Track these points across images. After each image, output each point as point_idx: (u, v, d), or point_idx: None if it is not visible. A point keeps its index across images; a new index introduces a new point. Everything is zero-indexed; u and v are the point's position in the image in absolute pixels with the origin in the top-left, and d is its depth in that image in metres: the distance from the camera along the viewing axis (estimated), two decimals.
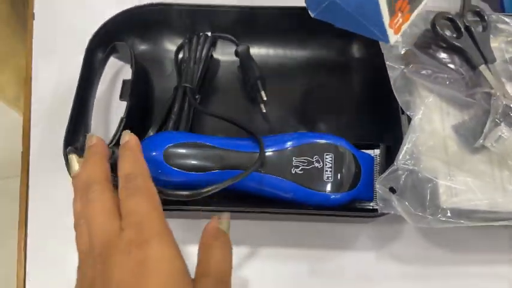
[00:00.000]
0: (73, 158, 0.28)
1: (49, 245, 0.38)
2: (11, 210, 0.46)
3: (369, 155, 0.36)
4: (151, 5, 0.41)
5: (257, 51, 0.44)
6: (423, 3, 0.35)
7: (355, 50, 0.44)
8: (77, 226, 0.26)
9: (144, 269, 0.22)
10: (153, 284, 0.22)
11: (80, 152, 0.29)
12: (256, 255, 0.37)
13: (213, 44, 0.44)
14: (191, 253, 0.36)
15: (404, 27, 0.34)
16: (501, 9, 0.46)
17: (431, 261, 0.38)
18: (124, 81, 0.38)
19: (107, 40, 0.40)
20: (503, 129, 0.35)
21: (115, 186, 0.27)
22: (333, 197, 0.33)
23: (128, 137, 0.29)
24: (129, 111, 0.36)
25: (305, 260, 0.37)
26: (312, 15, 0.36)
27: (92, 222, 0.25)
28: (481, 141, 0.35)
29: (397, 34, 0.34)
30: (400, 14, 0.33)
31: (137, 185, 0.26)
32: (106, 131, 0.40)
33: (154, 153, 0.32)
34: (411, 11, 0.34)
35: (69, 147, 0.29)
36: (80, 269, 0.25)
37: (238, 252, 0.37)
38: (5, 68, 0.68)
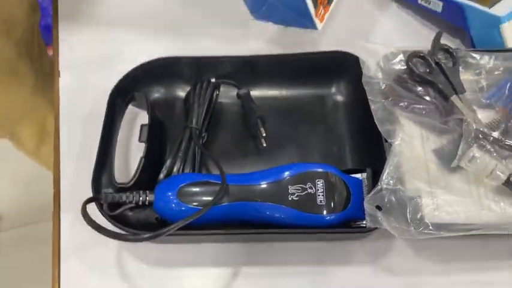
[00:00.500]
0: None
1: (82, 280, 0.42)
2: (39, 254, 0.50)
3: (357, 178, 0.41)
4: (163, 58, 0.47)
5: (257, 92, 0.50)
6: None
7: (342, 87, 0.49)
8: None
9: None
10: None
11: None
12: (260, 274, 0.41)
13: (217, 88, 0.50)
14: (190, 275, 0.41)
15: (326, 16, 0.44)
16: (471, 44, 0.52)
17: (424, 272, 0.41)
18: (142, 126, 0.43)
19: (126, 90, 0.46)
20: (474, 150, 0.40)
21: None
22: (327, 218, 0.38)
23: None
24: (147, 152, 0.42)
25: (307, 276, 0.41)
26: (253, 18, 0.48)
27: None
28: (456, 161, 0.40)
29: (322, 22, 0.44)
30: (321, 7, 0.43)
31: None
32: (127, 169, 0.46)
33: (169, 194, 0.37)
34: (329, 3, 0.44)
35: None
36: None
37: (243, 272, 0.41)
38: (26, 122, 0.74)
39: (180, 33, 0.54)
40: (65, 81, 0.53)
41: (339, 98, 0.49)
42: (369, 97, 0.43)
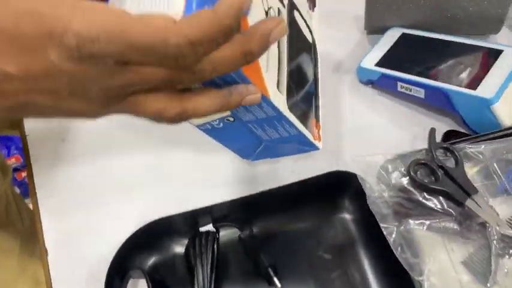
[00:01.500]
0: None
1: None
2: None
3: None
4: (154, 222, 0.44)
5: (261, 228, 0.46)
6: (320, 110, 0.45)
7: (347, 204, 0.46)
8: None
9: None
10: None
11: None
12: None
13: (218, 233, 0.46)
14: None
15: (321, 133, 0.43)
16: (464, 123, 0.50)
17: None
18: None
19: (121, 268, 0.42)
20: (506, 264, 0.37)
21: None
22: None
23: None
24: None
25: None
26: (249, 160, 0.45)
27: None
28: (492, 279, 0.37)
29: (320, 141, 0.42)
30: (314, 128, 0.42)
31: None
32: None
33: None
34: (318, 121, 0.44)
35: None
36: None
37: None
38: (19, 280, 0.70)
39: (167, 186, 0.51)
40: (54, 257, 0.49)
41: (347, 216, 0.46)
42: (380, 224, 0.40)
